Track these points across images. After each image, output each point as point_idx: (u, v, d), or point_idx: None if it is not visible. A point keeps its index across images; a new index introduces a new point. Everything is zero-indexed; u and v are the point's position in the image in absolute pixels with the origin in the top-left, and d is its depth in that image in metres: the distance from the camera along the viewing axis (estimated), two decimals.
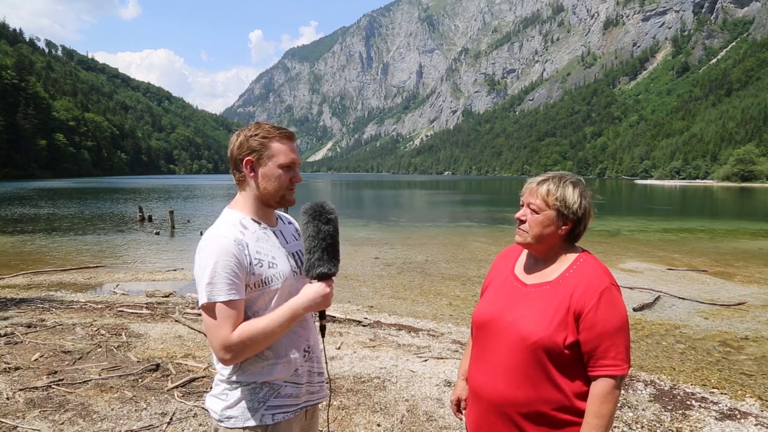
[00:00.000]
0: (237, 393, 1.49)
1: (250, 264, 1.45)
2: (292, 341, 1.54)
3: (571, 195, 1.50)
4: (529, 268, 1.60)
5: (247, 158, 1.50)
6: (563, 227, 1.52)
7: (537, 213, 1.52)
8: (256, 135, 1.50)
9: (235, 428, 1.48)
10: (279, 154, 1.50)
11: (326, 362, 1.72)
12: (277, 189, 1.52)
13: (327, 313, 6.84)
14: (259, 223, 1.54)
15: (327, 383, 1.70)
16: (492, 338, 1.56)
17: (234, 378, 1.49)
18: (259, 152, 1.49)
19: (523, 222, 1.56)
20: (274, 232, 1.57)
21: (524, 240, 1.56)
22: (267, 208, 1.56)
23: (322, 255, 1.47)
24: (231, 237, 1.44)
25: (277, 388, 1.51)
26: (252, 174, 1.51)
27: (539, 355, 1.44)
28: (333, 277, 1.50)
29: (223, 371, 1.51)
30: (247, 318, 1.45)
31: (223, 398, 1.50)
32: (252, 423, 1.48)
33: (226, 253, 1.41)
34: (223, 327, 1.39)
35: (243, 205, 1.55)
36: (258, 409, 1.49)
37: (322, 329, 1.60)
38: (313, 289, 1.47)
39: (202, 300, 1.41)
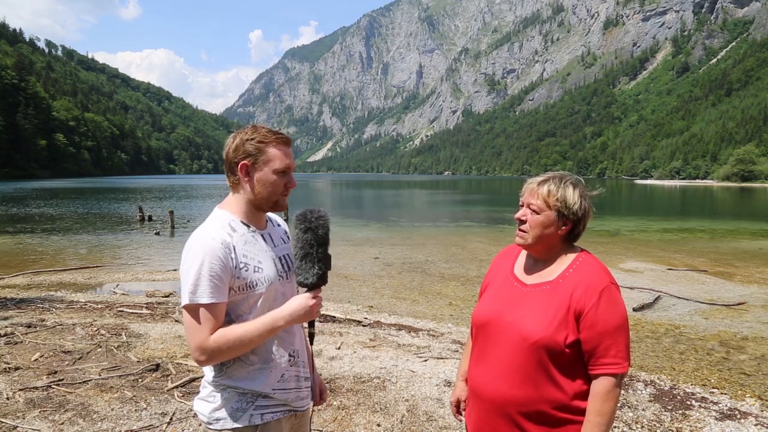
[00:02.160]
0: (224, 395, 1.49)
1: (235, 267, 1.44)
2: (277, 346, 1.53)
3: (572, 195, 1.51)
4: (529, 268, 1.60)
5: (242, 162, 1.48)
6: (563, 227, 1.53)
7: (537, 213, 1.52)
8: (252, 139, 1.48)
9: (224, 430, 1.48)
10: (275, 160, 1.49)
11: (313, 369, 1.71)
12: (272, 194, 1.51)
13: (327, 312, 6.74)
14: (248, 226, 1.53)
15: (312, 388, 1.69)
16: (492, 338, 1.56)
17: (219, 381, 1.49)
18: (255, 157, 1.48)
19: (523, 222, 1.56)
20: (262, 236, 1.56)
21: (525, 241, 1.56)
22: (259, 211, 1.56)
23: (300, 263, 1.47)
24: (218, 239, 1.43)
25: (264, 394, 1.51)
26: (247, 178, 1.50)
27: (540, 355, 1.44)
28: (318, 288, 1.48)
29: (209, 374, 1.50)
30: (230, 321, 1.45)
31: (210, 400, 1.50)
32: (241, 424, 1.48)
33: (211, 255, 1.40)
34: (201, 329, 1.39)
35: (234, 206, 1.54)
36: (246, 409, 1.49)
37: (311, 337, 1.59)
38: (297, 302, 1.46)
39: (185, 301, 1.41)
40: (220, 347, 1.40)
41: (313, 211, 1.48)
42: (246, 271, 1.46)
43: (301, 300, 1.46)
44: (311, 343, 1.60)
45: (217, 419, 1.48)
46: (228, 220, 1.51)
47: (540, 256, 1.59)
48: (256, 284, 1.47)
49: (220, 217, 1.52)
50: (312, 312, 1.47)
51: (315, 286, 1.47)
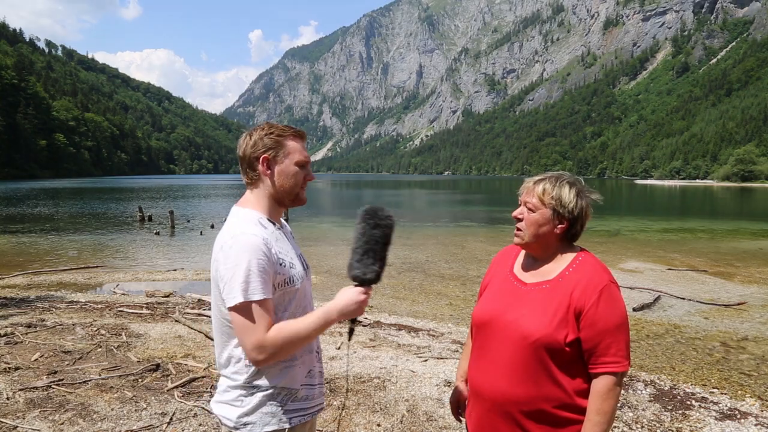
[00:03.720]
0: (255, 399, 1.46)
1: (275, 263, 1.45)
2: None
3: (567, 194, 1.52)
4: (529, 267, 1.61)
5: (263, 155, 1.49)
6: (559, 226, 1.53)
7: (533, 211, 1.53)
8: (270, 133, 1.51)
9: None
10: (294, 152, 1.52)
11: (348, 363, 1.73)
12: (293, 186, 1.53)
13: None
14: (274, 223, 1.55)
15: (346, 383, 1.70)
16: (493, 337, 1.56)
17: (253, 383, 1.46)
18: (276, 150, 1.50)
19: (520, 220, 1.57)
20: (284, 234, 1.58)
21: (522, 240, 1.57)
22: (280, 207, 1.57)
23: (361, 258, 1.45)
24: (260, 235, 1.43)
25: (294, 392, 1.50)
26: (268, 171, 1.51)
27: (540, 354, 1.45)
28: (371, 285, 1.47)
29: (237, 377, 1.47)
30: None
31: (238, 405, 1.47)
32: (270, 428, 1.46)
33: (257, 251, 1.40)
34: (258, 327, 1.38)
35: (256, 203, 1.54)
36: (276, 413, 1.47)
37: (350, 332, 1.58)
38: (347, 296, 1.45)
39: (237, 300, 1.37)
40: (278, 343, 1.39)
41: (382, 209, 1.49)
42: (283, 266, 1.47)
43: (353, 294, 1.45)
44: (350, 339, 1.61)
45: (245, 424, 1.46)
46: (257, 218, 1.51)
47: (538, 254, 1.59)
48: (293, 280, 1.49)
49: (249, 215, 1.51)
50: (362, 307, 1.47)
51: (370, 282, 1.47)
